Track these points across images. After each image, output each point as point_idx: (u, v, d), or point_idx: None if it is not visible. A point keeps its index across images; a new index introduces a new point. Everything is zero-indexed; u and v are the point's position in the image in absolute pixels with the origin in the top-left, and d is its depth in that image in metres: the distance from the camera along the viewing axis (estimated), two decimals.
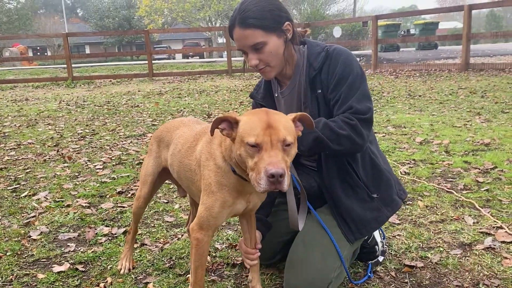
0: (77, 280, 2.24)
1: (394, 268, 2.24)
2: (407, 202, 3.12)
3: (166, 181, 2.52)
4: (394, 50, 23.55)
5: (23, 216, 3.16)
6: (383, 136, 5.23)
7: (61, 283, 2.22)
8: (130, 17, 46.81)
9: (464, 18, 11.75)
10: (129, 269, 2.31)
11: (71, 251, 2.58)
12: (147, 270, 2.33)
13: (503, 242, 2.44)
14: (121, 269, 2.30)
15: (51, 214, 3.19)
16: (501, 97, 7.64)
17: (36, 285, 2.21)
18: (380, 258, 2.27)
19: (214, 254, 2.49)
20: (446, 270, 2.19)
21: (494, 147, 4.45)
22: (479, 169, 3.77)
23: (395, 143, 4.85)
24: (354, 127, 1.81)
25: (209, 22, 40.86)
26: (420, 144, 4.75)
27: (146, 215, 3.11)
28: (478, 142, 4.66)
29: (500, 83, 9.39)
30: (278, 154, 1.44)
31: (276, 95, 2.12)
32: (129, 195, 3.57)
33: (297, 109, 2.04)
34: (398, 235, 2.61)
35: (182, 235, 2.76)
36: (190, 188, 1.97)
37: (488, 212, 2.85)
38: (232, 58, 16.18)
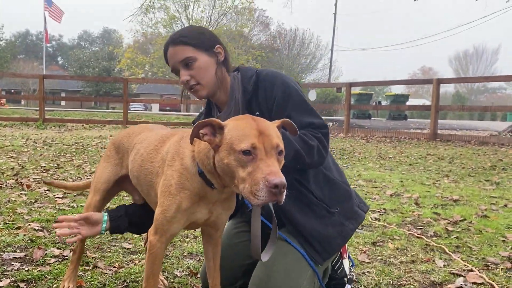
0: None
1: None
2: (377, 243, 3.03)
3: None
4: (366, 118, 24.32)
5: None
6: (354, 187, 5.20)
7: None
8: (111, 69, 47.26)
9: (433, 90, 12.32)
10: None
11: (14, 270, 2.35)
12: None
13: (474, 283, 2.36)
14: None
15: None
16: (468, 163, 7.84)
17: None
18: (348, 287, 2.14)
19: (172, 280, 2.30)
20: None
21: (463, 203, 4.47)
22: (449, 220, 3.74)
23: (365, 194, 4.82)
24: (321, 140, 1.82)
25: None
26: (391, 196, 4.74)
27: (102, 241, 2.91)
28: (447, 197, 4.68)
29: (466, 153, 9.69)
30: (275, 163, 1.36)
31: None
32: None
33: None
34: (368, 272, 2.49)
35: (139, 261, 2.56)
36: (149, 194, 1.82)
37: (458, 257, 2.79)
38: None
